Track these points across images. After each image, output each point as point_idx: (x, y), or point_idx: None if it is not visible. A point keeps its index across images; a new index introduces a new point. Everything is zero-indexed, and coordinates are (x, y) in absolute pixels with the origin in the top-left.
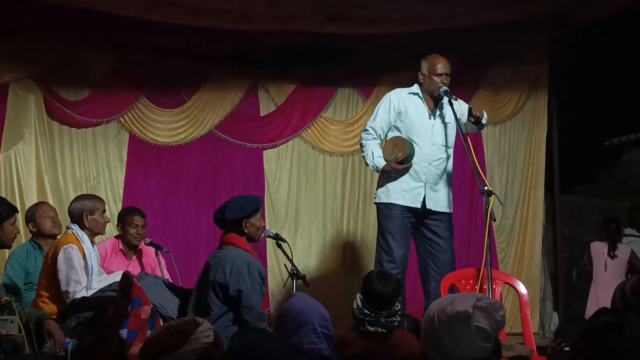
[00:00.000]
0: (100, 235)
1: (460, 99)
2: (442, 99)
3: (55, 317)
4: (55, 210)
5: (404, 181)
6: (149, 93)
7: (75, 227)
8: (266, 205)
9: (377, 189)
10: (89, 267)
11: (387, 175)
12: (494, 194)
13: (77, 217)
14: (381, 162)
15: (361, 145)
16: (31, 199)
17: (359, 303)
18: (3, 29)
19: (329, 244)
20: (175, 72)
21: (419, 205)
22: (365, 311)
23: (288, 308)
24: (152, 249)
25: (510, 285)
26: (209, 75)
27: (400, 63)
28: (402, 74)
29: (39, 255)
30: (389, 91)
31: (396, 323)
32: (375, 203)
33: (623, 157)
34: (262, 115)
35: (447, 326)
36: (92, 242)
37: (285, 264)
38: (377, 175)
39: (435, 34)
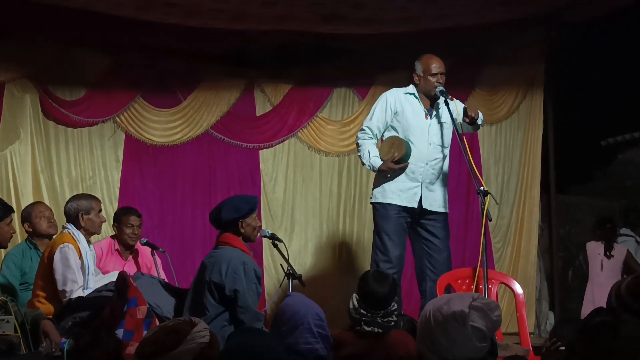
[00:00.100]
0: (96, 235)
1: (456, 99)
2: (438, 98)
3: (51, 317)
4: (51, 210)
5: (401, 181)
6: (145, 93)
7: (71, 227)
8: (262, 205)
9: (373, 189)
10: (85, 267)
11: (384, 175)
12: (490, 193)
13: (72, 217)
14: (378, 162)
15: (357, 145)
16: (27, 199)
17: (355, 303)
18: None
19: (325, 244)
20: (171, 71)
21: (415, 205)
22: (362, 311)
23: (284, 308)
24: (148, 249)
25: (506, 285)
26: (204, 75)
27: (396, 63)
28: (398, 74)
29: (35, 255)
30: (385, 91)
31: (392, 323)
32: (371, 203)
33: (619, 156)
34: (258, 115)
35: (443, 326)
36: (88, 242)
37: (281, 264)
38: (373, 175)
39: (431, 33)
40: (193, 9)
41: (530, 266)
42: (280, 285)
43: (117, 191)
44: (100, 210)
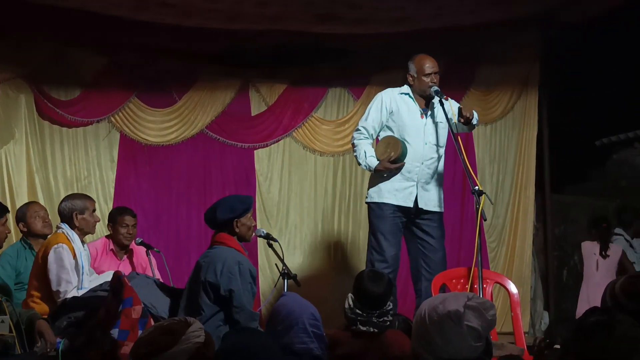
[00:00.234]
0: (90, 235)
1: (451, 99)
2: (433, 98)
3: (46, 317)
4: (46, 210)
5: (396, 181)
6: (140, 93)
7: (66, 227)
8: (257, 205)
9: (368, 189)
10: (80, 267)
11: (380, 174)
12: (485, 193)
13: (67, 217)
14: (374, 162)
15: (353, 145)
16: (22, 199)
17: (351, 303)
18: None
19: (320, 244)
20: (166, 71)
21: (411, 205)
22: (357, 311)
23: (279, 308)
24: (143, 249)
25: (501, 284)
26: (199, 75)
27: (391, 63)
28: (393, 74)
29: (30, 255)
30: (380, 91)
31: (388, 323)
32: (366, 203)
33: (613, 156)
34: (253, 115)
35: (439, 326)
36: (83, 242)
37: (276, 264)
38: (367, 174)
39: (426, 33)
40: (188, 9)
41: (525, 266)
42: (275, 285)
43: (112, 191)
44: (94, 210)
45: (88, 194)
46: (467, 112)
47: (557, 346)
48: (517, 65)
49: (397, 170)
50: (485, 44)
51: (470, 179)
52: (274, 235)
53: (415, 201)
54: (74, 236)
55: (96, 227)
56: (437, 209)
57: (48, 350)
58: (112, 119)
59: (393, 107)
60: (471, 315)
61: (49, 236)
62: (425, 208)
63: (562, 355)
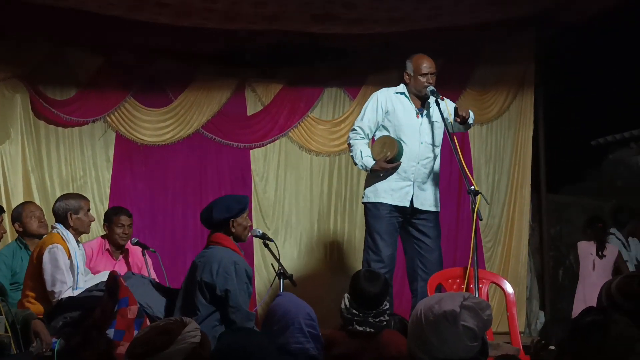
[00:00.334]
0: (86, 235)
1: (447, 99)
2: (428, 98)
3: (41, 317)
4: (42, 210)
5: (392, 180)
6: (136, 92)
7: (60, 227)
8: (253, 205)
9: (364, 189)
10: (75, 267)
11: (376, 174)
12: (481, 193)
13: (61, 217)
14: (370, 162)
15: (349, 145)
16: (17, 199)
17: (347, 303)
18: None
19: (316, 244)
20: (162, 71)
21: (407, 204)
22: (353, 311)
23: (275, 308)
24: (138, 249)
25: (497, 284)
26: (195, 75)
27: (387, 63)
28: (389, 74)
29: (25, 255)
30: (375, 91)
31: (384, 323)
32: (363, 202)
33: (609, 156)
34: (249, 114)
35: (435, 325)
36: (78, 242)
37: (272, 264)
38: (363, 174)
39: (422, 33)
40: (184, 9)
41: (520, 265)
42: (271, 285)
43: (108, 191)
44: (89, 210)
45: (84, 194)
46: (463, 111)
47: (552, 347)
48: (513, 65)
49: (394, 169)
50: (481, 44)
51: (466, 178)
52: (270, 235)
53: (411, 201)
54: (68, 236)
55: (92, 227)
56: (433, 209)
57: (44, 350)
58: (108, 118)
59: (389, 106)
60: (467, 315)
61: (44, 236)
62: (421, 208)
63: (558, 355)
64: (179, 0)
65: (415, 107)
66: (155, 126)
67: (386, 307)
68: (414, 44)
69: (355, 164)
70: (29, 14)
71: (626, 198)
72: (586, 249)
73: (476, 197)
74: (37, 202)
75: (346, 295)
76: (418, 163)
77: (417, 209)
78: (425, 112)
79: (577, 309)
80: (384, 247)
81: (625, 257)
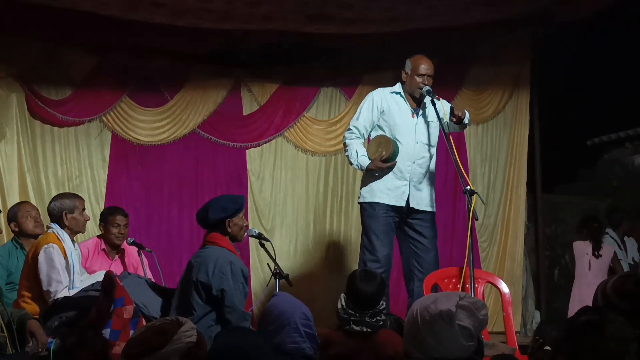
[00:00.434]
0: (81, 235)
1: (443, 99)
2: (423, 98)
3: (37, 317)
4: (38, 210)
5: (388, 180)
6: (132, 92)
7: (56, 227)
8: (249, 205)
9: (360, 188)
10: (71, 266)
11: (371, 174)
12: (477, 193)
13: (56, 216)
14: (365, 161)
15: (345, 145)
16: (13, 199)
17: (343, 303)
18: None
19: (312, 244)
20: (158, 71)
21: (403, 204)
22: (350, 311)
23: (270, 308)
24: (134, 249)
25: (493, 284)
26: (191, 75)
27: (383, 62)
28: (385, 74)
29: (21, 255)
30: (371, 90)
31: (381, 322)
32: (359, 202)
33: (604, 156)
34: (245, 114)
35: (431, 325)
36: (73, 241)
37: (268, 263)
38: (359, 174)
39: (418, 33)
40: (179, 9)
41: (516, 265)
42: (267, 285)
43: (104, 191)
44: (84, 209)
45: (79, 194)
46: (459, 111)
47: (548, 347)
48: (508, 65)
49: (389, 169)
50: (476, 43)
51: (462, 178)
52: (266, 235)
53: (407, 200)
54: (64, 236)
55: (87, 226)
56: (429, 209)
57: (39, 350)
58: (104, 118)
59: (384, 106)
60: (463, 315)
61: (40, 236)
62: (416, 207)
63: (553, 355)
64: (174, 0)
65: (411, 107)
66: (151, 126)
67: (383, 307)
68: (410, 44)
69: (351, 164)
70: (24, 13)
71: (621, 198)
72: (582, 248)
73: (472, 197)
74: (33, 201)
75: (342, 295)
76: (414, 163)
77: (413, 208)
78: (420, 112)
79: (573, 308)
80: (380, 247)
81: (619, 257)
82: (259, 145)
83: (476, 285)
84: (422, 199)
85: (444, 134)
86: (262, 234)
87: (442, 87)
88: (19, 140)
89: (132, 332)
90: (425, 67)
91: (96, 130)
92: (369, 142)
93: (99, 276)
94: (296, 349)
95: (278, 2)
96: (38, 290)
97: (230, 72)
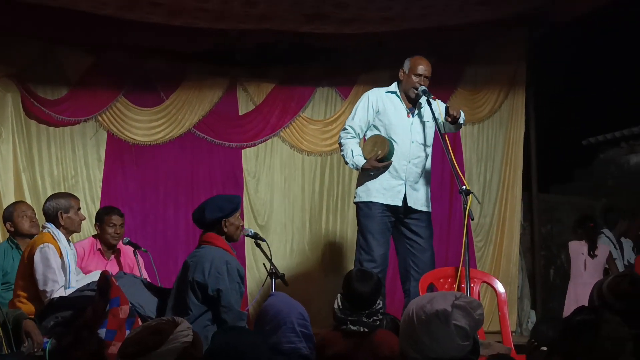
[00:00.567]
0: (77, 234)
1: (439, 99)
2: (419, 98)
3: (33, 317)
4: (33, 210)
5: (384, 179)
6: (127, 92)
7: (51, 226)
8: (245, 205)
9: (356, 188)
10: (67, 266)
11: (367, 173)
12: (472, 193)
13: (52, 216)
14: (361, 161)
15: (340, 145)
16: (9, 198)
17: (340, 303)
18: None
19: (308, 243)
20: (154, 70)
21: (399, 203)
22: (347, 311)
23: (267, 308)
24: (130, 249)
25: (488, 283)
26: (187, 74)
27: (379, 62)
28: (381, 73)
29: (17, 254)
30: (367, 90)
31: (378, 322)
32: (355, 202)
33: (600, 156)
34: (240, 114)
35: (426, 325)
36: (69, 241)
37: (264, 263)
38: (355, 174)
39: (414, 33)
40: (176, 9)
41: (512, 265)
42: (262, 285)
43: (99, 190)
44: (79, 209)
45: (75, 194)
46: (454, 110)
47: (544, 348)
48: (504, 64)
49: (385, 168)
50: (472, 43)
51: (457, 178)
52: (262, 235)
53: (404, 200)
54: (59, 235)
55: (83, 226)
56: (425, 209)
57: (35, 350)
58: (100, 118)
59: (380, 106)
60: (459, 315)
61: (35, 236)
62: (414, 207)
63: (549, 355)
64: None
65: (406, 106)
66: (147, 126)
67: (379, 307)
68: (406, 44)
69: (347, 163)
70: (20, 12)
71: (617, 197)
72: (577, 248)
73: (468, 197)
74: (29, 201)
75: (339, 295)
76: (409, 162)
77: (409, 208)
78: (416, 111)
79: (569, 308)
80: (376, 247)
81: (614, 256)
82: (254, 145)
83: (472, 285)
84: (419, 199)
85: (439, 134)
86: (258, 234)
87: (438, 86)
88: (14, 139)
89: (127, 332)
90: (423, 67)
91: (92, 130)
92: (364, 141)
93: (95, 276)
94: (292, 349)
95: (274, 2)
96: (34, 290)
97: (226, 72)
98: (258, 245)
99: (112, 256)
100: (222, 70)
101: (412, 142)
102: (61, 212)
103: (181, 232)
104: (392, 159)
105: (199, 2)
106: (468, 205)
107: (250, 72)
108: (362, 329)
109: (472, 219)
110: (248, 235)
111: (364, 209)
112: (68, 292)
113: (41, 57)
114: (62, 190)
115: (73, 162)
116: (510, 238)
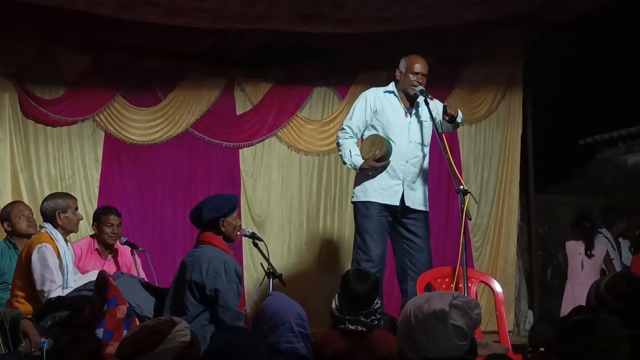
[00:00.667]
0: (74, 234)
1: (436, 99)
2: (417, 97)
3: (30, 316)
4: (31, 210)
5: (382, 179)
6: (125, 92)
7: (49, 226)
8: (242, 204)
9: (354, 188)
10: (64, 266)
11: (365, 173)
12: (470, 193)
13: (49, 216)
14: (359, 161)
15: (338, 144)
16: (6, 198)
17: (337, 303)
18: None
19: (305, 243)
20: (151, 70)
21: (397, 203)
22: (344, 311)
23: (265, 308)
24: (127, 248)
25: (486, 283)
26: (185, 74)
27: (376, 62)
28: (378, 73)
29: (14, 254)
30: (365, 90)
31: (376, 322)
32: (352, 202)
33: (597, 156)
34: (238, 114)
35: (424, 325)
36: (66, 241)
37: (261, 263)
38: (352, 173)
39: (411, 33)
40: (173, 8)
41: (509, 265)
42: (260, 285)
43: (97, 190)
44: (76, 208)
45: (72, 194)
46: (452, 109)
47: (542, 349)
48: (501, 64)
49: (382, 168)
50: (469, 43)
51: (455, 178)
52: (259, 235)
53: (402, 200)
54: (57, 235)
55: (80, 226)
56: (422, 208)
57: (32, 350)
58: (97, 118)
59: (377, 106)
60: (456, 314)
61: (33, 236)
62: (411, 207)
63: (546, 354)
64: None
65: (404, 106)
66: (145, 125)
67: (377, 306)
68: (403, 44)
69: (344, 163)
70: (18, 12)
71: (614, 197)
72: (574, 248)
73: (465, 197)
74: (26, 201)
75: (337, 295)
76: (407, 162)
77: (407, 208)
78: (414, 111)
79: (566, 308)
80: (373, 247)
81: (612, 256)
82: (252, 145)
83: (469, 285)
84: (417, 199)
85: (437, 134)
86: (256, 234)
87: (435, 86)
88: (11, 139)
89: (125, 331)
90: (419, 66)
91: (89, 129)
92: (362, 141)
93: (92, 276)
94: (290, 349)
95: (272, 2)
96: (31, 290)
97: (224, 72)
98: (255, 245)
99: (110, 256)
100: (219, 70)
101: (410, 142)
102: (59, 212)
103: (179, 232)
104: (390, 159)
105: (197, 2)
106: (465, 205)
107: (248, 71)
108: (359, 329)
109: (470, 219)
110: (245, 235)
111: (361, 208)
112: (66, 292)
113: (39, 56)
114: (60, 190)
115: (70, 162)
116: (507, 238)
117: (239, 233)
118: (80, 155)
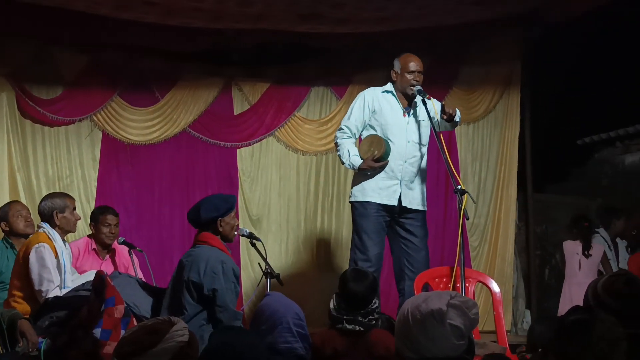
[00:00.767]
0: (72, 234)
1: (434, 98)
2: (415, 97)
3: (28, 316)
4: (28, 209)
5: (380, 179)
6: (122, 91)
7: (47, 226)
8: (240, 204)
9: (352, 188)
10: (62, 266)
11: (363, 173)
12: (467, 192)
13: (47, 216)
14: (357, 161)
15: (336, 145)
16: (3, 198)
17: (335, 303)
18: None
19: (303, 243)
20: (149, 70)
21: (395, 203)
22: (342, 311)
23: (262, 307)
24: (125, 248)
25: (483, 283)
26: (182, 74)
27: (374, 62)
28: (376, 73)
29: (12, 254)
30: (362, 90)
31: (374, 321)
32: (350, 202)
33: (594, 156)
34: (236, 114)
35: (422, 324)
36: (64, 240)
37: (259, 263)
38: (350, 173)
39: (409, 33)
40: (171, 8)
41: (507, 264)
42: (258, 285)
43: (94, 190)
44: (74, 208)
45: (70, 193)
46: (450, 108)
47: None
48: (499, 64)
49: (381, 168)
50: (467, 43)
51: (452, 178)
52: (257, 235)
53: (400, 199)
54: (55, 235)
55: (78, 226)
56: (420, 208)
57: (30, 350)
58: (94, 117)
59: (375, 106)
60: (454, 314)
61: (30, 235)
62: (409, 206)
63: (544, 354)
64: None
65: (402, 106)
66: (142, 125)
67: (375, 306)
68: (401, 44)
69: (343, 163)
70: (15, 12)
71: (612, 197)
72: (572, 248)
73: (463, 197)
74: (23, 201)
75: (335, 295)
76: (405, 162)
77: (405, 207)
78: (412, 111)
79: (563, 308)
80: (371, 246)
81: (609, 256)
82: (249, 145)
83: (467, 285)
84: (414, 198)
85: (434, 133)
86: (253, 234)
87: (433, 86)
88: (9, 139)
89: (123, 331)
90: (414, 64)
91: (87, 129)
92: (360, 141)
93: (90, 276)
94: (288, 349)
95: (270, 2)
96: (29, 289)
97: (222, 72)
98: (253, 245)
99: (107, 256)
100: (217, 70)
101: (408, 142)
102: (56, 212)
103: (176, 232)
104: (388, 159)
105: (195, 1)
106: (463, 204)
107: (246, 71)
108: (357, 328)
109: (467, 219)
110: (243, 235)
111: (359, 208)
112: (63, 292)
113: (36, 56)
114: (57, 190)
115: (68, 162)
116: (505, 237)
117: (236, 233)
118: (78, 155)
